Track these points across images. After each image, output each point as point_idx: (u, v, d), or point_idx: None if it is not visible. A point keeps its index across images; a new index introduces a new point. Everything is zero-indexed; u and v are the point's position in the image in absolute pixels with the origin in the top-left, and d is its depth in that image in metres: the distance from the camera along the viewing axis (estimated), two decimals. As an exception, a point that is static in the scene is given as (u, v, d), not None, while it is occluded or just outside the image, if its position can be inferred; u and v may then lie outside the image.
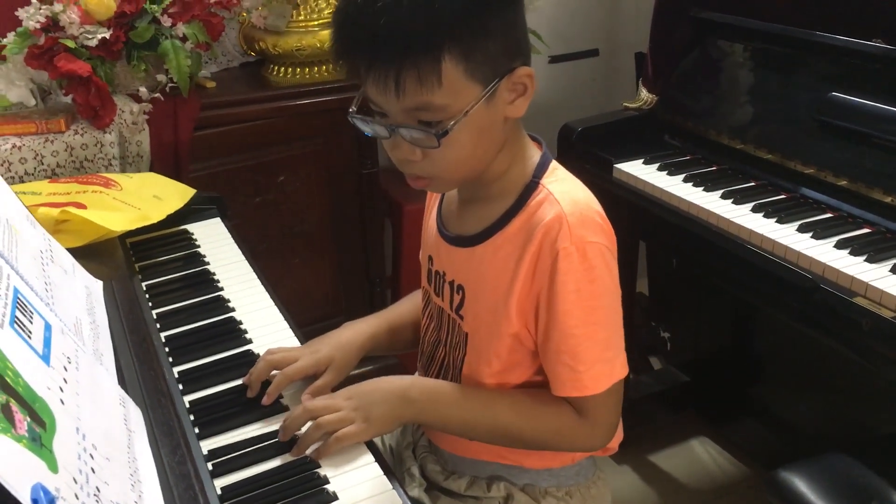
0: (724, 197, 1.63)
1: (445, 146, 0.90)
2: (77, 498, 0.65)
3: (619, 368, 0.98)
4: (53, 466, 0.64)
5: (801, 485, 1.29)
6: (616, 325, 0.98)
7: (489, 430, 1.02)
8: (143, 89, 1.74)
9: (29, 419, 0.65)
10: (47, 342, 0.79)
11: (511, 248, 0.98)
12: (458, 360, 1.07)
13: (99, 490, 0.69)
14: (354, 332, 1.13)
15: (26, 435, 0.63)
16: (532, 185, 0.99)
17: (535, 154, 1.02)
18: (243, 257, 1.39)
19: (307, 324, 1.23)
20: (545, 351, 0.98)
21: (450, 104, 0.89)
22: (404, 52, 0.86)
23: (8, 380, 0.66)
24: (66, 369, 0.78)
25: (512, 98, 0.94)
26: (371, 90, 0.91)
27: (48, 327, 0.82)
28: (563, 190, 0.97)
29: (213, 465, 0.93)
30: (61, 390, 0.74)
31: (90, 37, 1.64)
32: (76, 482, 0.66)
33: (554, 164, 1.01)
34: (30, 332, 0.77)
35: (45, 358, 0.76)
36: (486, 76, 0.90)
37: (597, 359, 0.96)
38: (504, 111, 0.94)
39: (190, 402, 1.04)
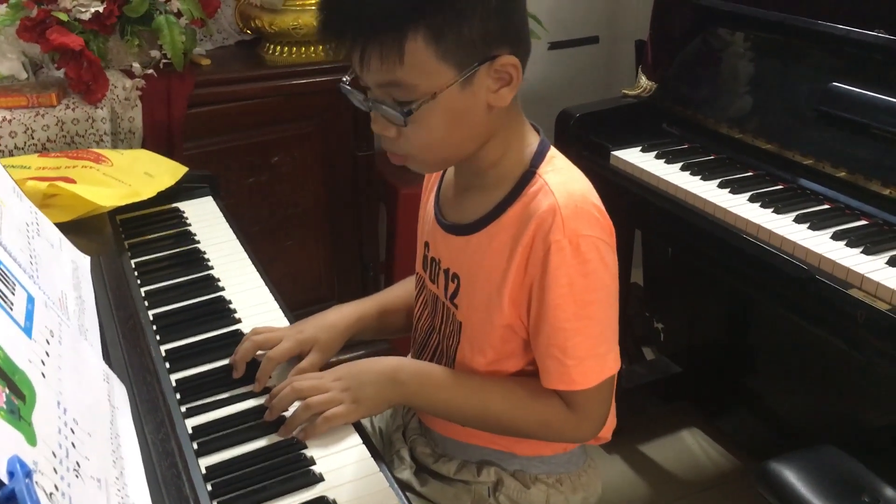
0: (721, 186, 1.62)
1: (416, 126, 0.89)
2: (56, 472, 0.63)
3: (611, 364, 0.96)
4: (32, 439, 0.63)
5: (791, 476, 1.29)
6: (611, 321, 0.97)
7: (476, 415, 1.01)
8: (136, 65, 1.72)
9: (7, 391, 0.63)
10: (29, 315, 0.77)
11: (505, 237, 0.96)
12: (451, 348, 1.06)
13: (79, 465, 0.68)
14: (341, 314, 1.12)
15: (4, 407, 0.61)
16: (529, 175, 0.97)
17: (533, 142, 1.00)
18: (234, 236, 1.37)
19: (299, 307, 1.22)
20: (536, 343, 0.97)
21: (419, 84, 0.87)
22: (369, 27, 0.86)
23: (-13, 351, 0.64)
24: (48, 343, 0.77)
25: (496, 87, 0.91)
26: (352, 63, 0.91)
27: (31, 300, 0.80)
28: (560, 181, 0.95)
29: (198, 443, 0.92)
30: (43, 363, 0.73)
31: (83, 10, 1.62)
32: (55, 456, 0.65)
33: (552, 152, 0.99)
34: (11, 303, 0.75)
35: (27, 330, 0.74)
36: (461, 61, 0.88)
37: (588, 354, 0.94)
38: (487, 99, 0.91)
39: (176, 381, 1.03)
